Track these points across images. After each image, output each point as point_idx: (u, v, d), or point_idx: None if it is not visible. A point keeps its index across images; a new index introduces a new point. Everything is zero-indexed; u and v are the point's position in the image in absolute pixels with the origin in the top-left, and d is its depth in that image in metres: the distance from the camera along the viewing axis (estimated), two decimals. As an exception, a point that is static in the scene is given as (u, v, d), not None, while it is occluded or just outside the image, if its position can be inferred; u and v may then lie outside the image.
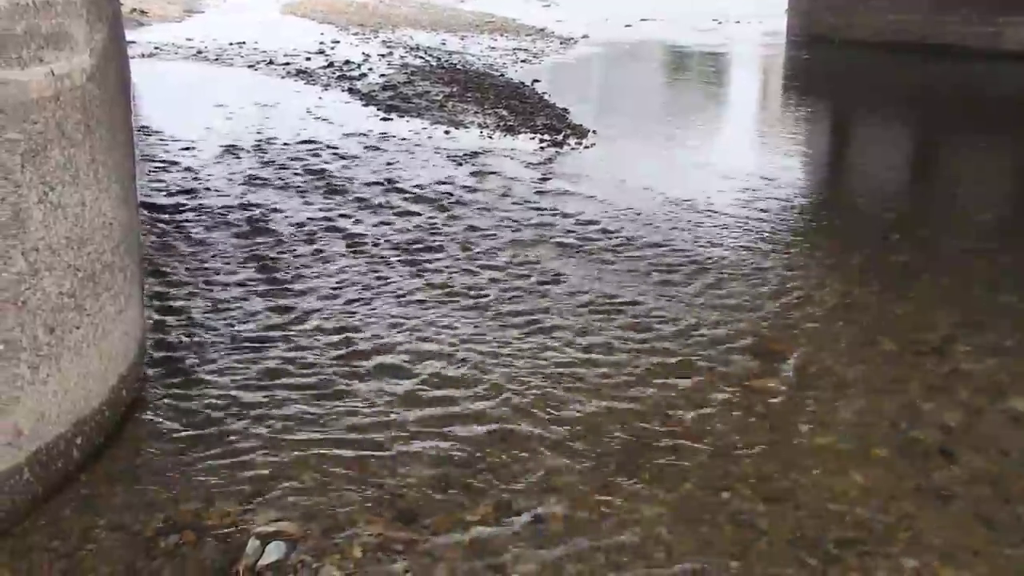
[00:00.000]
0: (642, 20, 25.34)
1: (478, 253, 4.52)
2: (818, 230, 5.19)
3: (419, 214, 5.20)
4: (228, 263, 4.32)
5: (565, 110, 9.04)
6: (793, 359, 3.37)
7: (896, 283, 4.22)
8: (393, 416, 2.88)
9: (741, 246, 4.71)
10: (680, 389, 3.11)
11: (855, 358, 3.39)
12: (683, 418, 2.92)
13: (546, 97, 9.91)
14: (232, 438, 2.69)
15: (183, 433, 2.71)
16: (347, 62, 13.31)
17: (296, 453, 2.62)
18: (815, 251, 4.71)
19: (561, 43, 17.79)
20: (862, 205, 5.76)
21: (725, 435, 2.82)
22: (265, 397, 2.97)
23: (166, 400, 2.91)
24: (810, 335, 3.59)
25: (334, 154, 6.87)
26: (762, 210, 5.43)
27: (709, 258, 4.50)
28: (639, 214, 5.27)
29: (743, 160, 7.02)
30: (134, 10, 26.89)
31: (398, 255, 4.47)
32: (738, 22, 24.74)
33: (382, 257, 4.44)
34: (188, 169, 6.30)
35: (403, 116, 8.66)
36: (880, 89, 11.86)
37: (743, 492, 2.51)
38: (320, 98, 9.93)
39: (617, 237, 4.82)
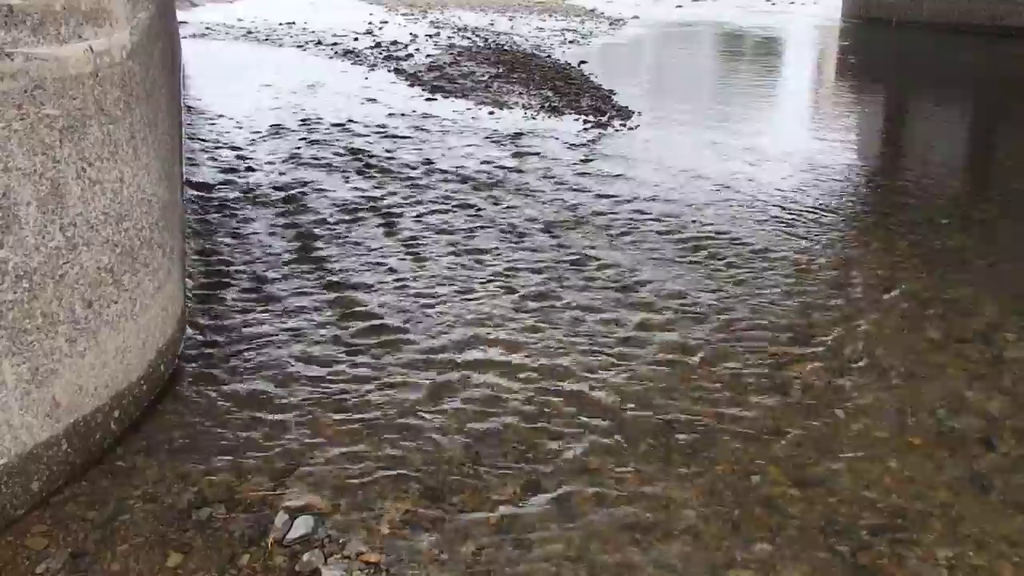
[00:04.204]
0: (694, 0, 24.93)
1: (516, 234, 4.50)
2: (867, 214, 5.07)
3: (458, 195, 5.19)
4: (271, 242, 4.37)
5: (611, 91, 8.95)
6: (833, 344, 3.31)
7: (943, 268, 4.11)
8: (427, 397, 2.89)
9: (785, 230, 4.63)
10: (716, 373, 3.08)
11: (897, 344, 3.31)
12: (718, 401, 2.88)
13: (592, 78, 9.82)
14: (267, 415, 2.72)
15: (219, 407, 2.76)
16: (394, 42, 13.35)
17: (329, 430, 2.65)
18: (862, 236, 4.61)
19: (610, 24, 17.61)
20: (913, 189, 5.60)
21: (760, 420, 2.78)
22: (301, 376, 3.00)
23: (204, 375, 2.96)
24: (851, 321, 3.52)
25: (378, 134, 6.90)
26: (810, 194, 5.32)
27: (752, 242, 4.42)
28: (682, 197, 5.20)
29: (792, 144, 6.88)
30: (188, -9, 27.26)
31: (437, 236, 4.47)
32: (792, 2, 24.20)
33: (420, 238, 4.45)
34: (235, 147, 6.39)
35: (448, 96, 8.66)
36: (938, 72, 11.52)
37: (775, 476, 2.48)
38: (366, 78, 9.97)
39: (657, 220, 4.76)
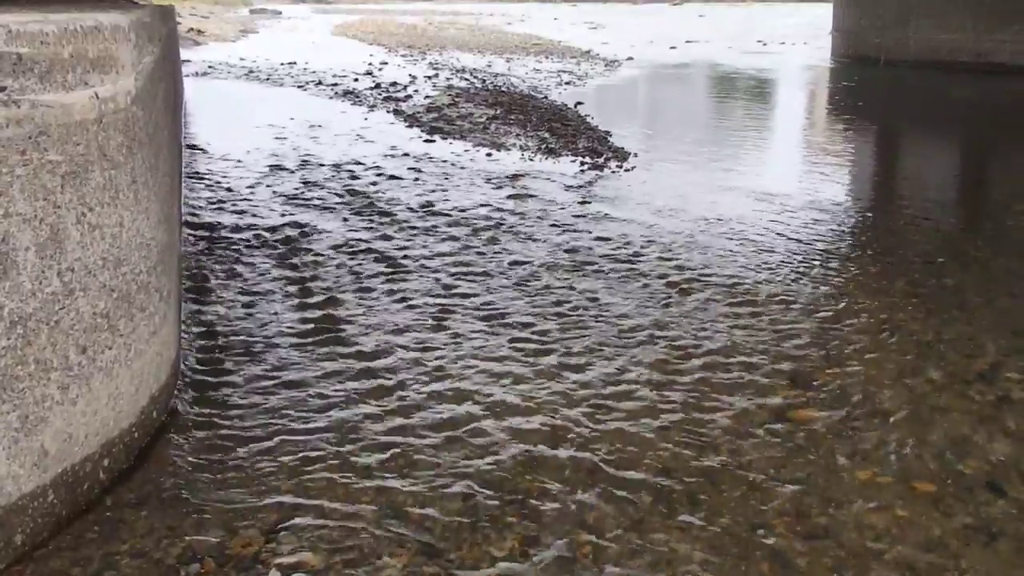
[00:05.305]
0: (687, 42, 25.31)
1: (512, 277, 4.49)
2: (862, 253, 5.07)
3: (457, 238, 5.19)
4: (267, 282, 4.35)
5: (607, 133, 9.02)
6: (834, 387, 3.28)
7: (942, 307, 4.10)
8: (421, 446, 2.85)
9: (781, 270, 4.62)
10: (715, 418, 3.04)
11: (898, 386, 3.29)
12: (718, 448, 2.85)
13: (588, 119, 9.90)
14: (259, 465, 2.67)
15: (211, 457, 2.71)
16: (394, 83, 13.48)
17: (321, 482, 2.60)
18: (858, 275, 4.60)
19: (606, 65, 17.82)
20: (908, 227, 5.62)
21: (762, 467, 2.74)
22: (293, 425, 2.96)
23: (197, 422, 2.92)
24: (851, 363, 3.49)
25: (376, 175, 6.93)
26: (805, 233, 5.33)
27: (748, 283, 4.41)
28: (679, 239, 5.20)
29: (787, 183, 6.91)
30: (191, 29, 27.67)
31: (435, 278, 4.46)
32: (783, 43, 24.54)
33: (413, 278, 4.44)
34: (233, 188, 6.40)
35: (446, 138, 8.72)
36: (927, 109, 11.65)
37: (780, 528, 2.43)
38: (366, 119, 10.05)
39: (654, 262, 4.76)
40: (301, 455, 2.74)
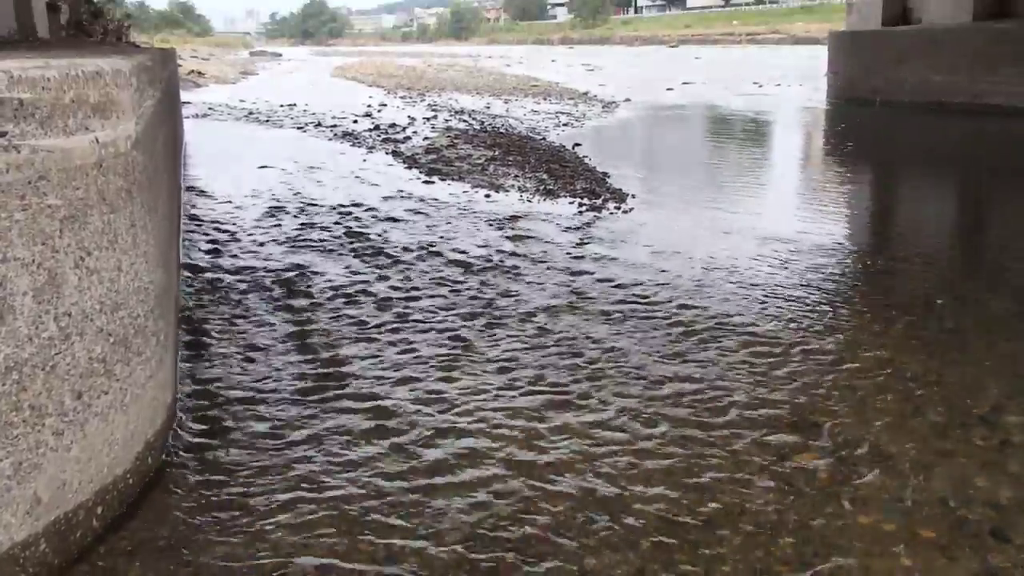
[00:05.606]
0: (684, 83, 25.62)
1: (518, 322, 4.48)
2: (861, 296, 5.07)
3: (459, 281, 5.18)
4: (266, 328, 4.34)
5: (605, 174, 9.07)
6: (835, 432, 3.25)
7: (942, 349, 4.08)
8: (415, 496, 2.82)
9: (780, 314, 4.61)
10: (715, 464, 3.01)
11: (901, 430, 3.26)
12: (719, 495, 2.81)
13: (587, 161, 9.97)
14: (255, 514, 2.63)
15: (209, 502, 2.67)
16: (392, 125, 13.59)
17: (323, 538, 2.55)
18: (858, 318, 4.59)
19: (603, 107, 18.00)
20: (906, 268, 5.63)
21: (763, 513, 2.70)
22: (293, 469, 2.93)
23: (192, 468, 2.88)
24: (852, 407, 3.47)
25: (375, 217, 6.95)
26: (803, 276, 5.33)
27: (747, 326, 4.40)
28: (677, 281, 5.19)
29: (784, 225, 6.93)
30: (192, 71, 28.00)
31: (439, 325, 4.42)
32: (778, 85, 24.82)
33: (415, 323, 4.42)
34: (232, 230, 6.41)
35: (444, 179, 8.76)
36: (924, 150, 11.74)
37: (783, 577, 2.40)
38: (365, 160, 10.11)
39: (652, 304, 4.75)
40: (302, 508, 2.69)
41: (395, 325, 4.38)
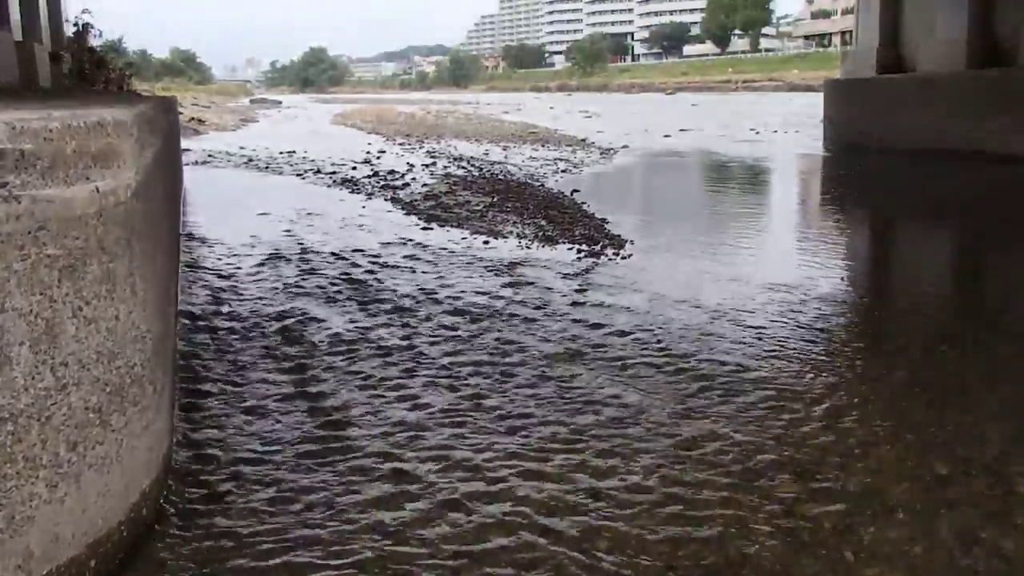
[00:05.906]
0: (681, 130, 25.88)
1: (510, 368, 4.45)
2: (861, 343, 5.06)
3: (459, 328, 5.15)
4: (262, 373, 4.31)
5: (604, 220, 9.10)
6: (838, 481, 3.21)
7: (944, 396, 4.06)
8: (418, 547, 2.77)
9: (781, 361, 4.59)
10: (717, 514, 2.97)
11: (904, 479, 3.22)
12: (721, 546, 2.77)
13: (585, 207, 10.02)
14: (254, 563, 2.59)
15: (204, 554, 2.63)
16: (391, 171, 13.69)
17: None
18: (858, 366, 4.57)
19: (601, 153, 18.15)
20: (907, 315, 5.62)
21: (766, 565, 2.66)
22: (290, 521, 2.89)
23: (189, 517, 2.84)
24: (855, 455, 3.43)
25: (374, 263, 6.96)
26: (803, 324, 5.32)
27: (748, 374, 4.38)
28: (676, 328, 5.17)
29: (782, 272, 6.93)
30: (192, 119, 28.29)
31: (442, 377, 4.34)
32: (775, 131, 25.08)
33: (415, 371, 4.39)
34: (231, 277, 6.41)
35: (443, 226, 8.80)
36: (921, 197, 11.81)
37: (789, 632, 2.35)
38: (364, 207, 10.16)
39: (651, 352, 4.73)
40: (303, 564, 2.65)
41: (400, 386, 4.20)
